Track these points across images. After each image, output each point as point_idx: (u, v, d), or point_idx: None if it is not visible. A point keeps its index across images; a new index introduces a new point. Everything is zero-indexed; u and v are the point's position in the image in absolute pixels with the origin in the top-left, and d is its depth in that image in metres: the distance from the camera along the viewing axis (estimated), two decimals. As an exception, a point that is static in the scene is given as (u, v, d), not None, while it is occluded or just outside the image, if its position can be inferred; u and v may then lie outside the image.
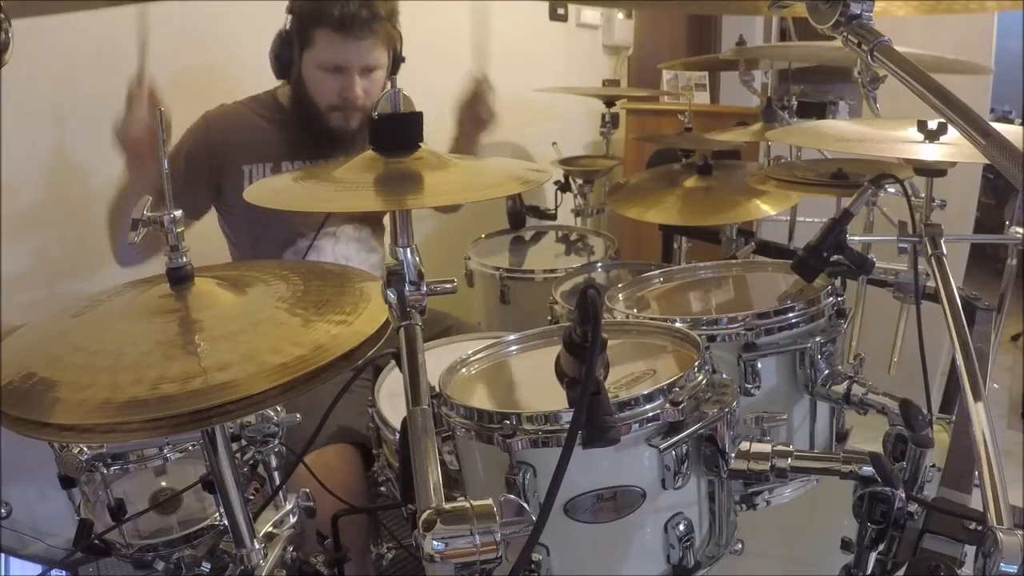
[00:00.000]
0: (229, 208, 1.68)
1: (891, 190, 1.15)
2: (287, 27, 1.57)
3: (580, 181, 2.39)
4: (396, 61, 1.67)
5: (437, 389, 0.87)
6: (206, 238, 1.70)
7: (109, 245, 1.52)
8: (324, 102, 1.61)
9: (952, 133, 1.04)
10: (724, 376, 0.90)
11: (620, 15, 3.21)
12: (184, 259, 0.85)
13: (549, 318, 1.45)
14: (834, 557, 0.94)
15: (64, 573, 1.31)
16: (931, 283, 0.97)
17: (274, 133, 1.67)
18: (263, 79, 1.72)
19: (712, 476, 0.85)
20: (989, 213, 3.19)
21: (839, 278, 1.14)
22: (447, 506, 0.58)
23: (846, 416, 1.15)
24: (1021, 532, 0.61)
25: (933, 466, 0.97)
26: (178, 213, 0.84)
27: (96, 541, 1.05)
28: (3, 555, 1.33)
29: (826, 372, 1.06)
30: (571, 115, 3.04)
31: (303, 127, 1.66)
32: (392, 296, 0.78)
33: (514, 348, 1.02)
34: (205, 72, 1.89)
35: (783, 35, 2.92)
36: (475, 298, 1.96)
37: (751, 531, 0.94)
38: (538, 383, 0.93)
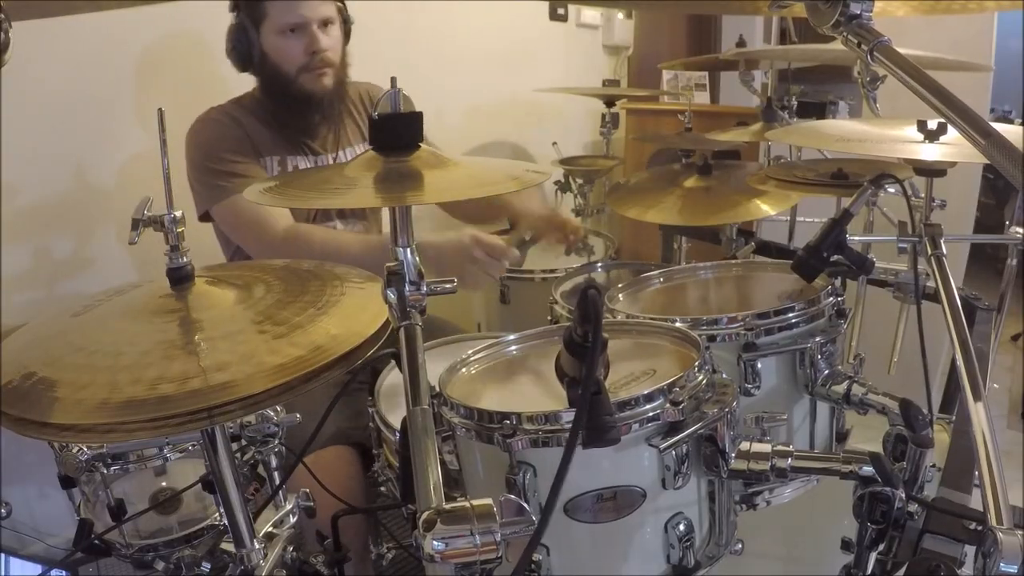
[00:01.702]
0: None
1: (891, 190, 1.15)
2: (235, 18, 1.60)
3: (580, 181, 2.39)
4: (347, 22, 1.69)
5: (437, 389, 0.87)
6: (206, 238, 1.70)
7: None
8: (292, 66, 1.61)
9: (952, 133, 1.04)
10: (724, 376, 0.90)
11: (620, 15, 3.20)
12: (184, 259, 0.85)
13: (549, 318, 1.44)
14: (834, 557, 0.94)
15: (64, 573, 1.31)
16: (931, 283, 0.97)
17: (265, 131, 1.66)
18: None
19: (712, 476, 0.85)
20: (989, 213, 3.18)
21: (839, 278, 1.14)
22: (447, 506, 0.58)
23: (846, 416, 1.15)
24: (1021, 532, 0.61)
25: (933, 466, 0.97)
26: (178, 213, 0.84)
27: (96, 541, 1.05)
28: (3, 555, 1.33)
29: (826, 372, 1.06)
30: (571, 115, 3.04)
31: (278, 102, 1.65)
32: (392, 296, 0.78)
33: (514, 348, 1.02)
34: (198, 72, 1.89)
35: (783, 35, 2.92)
36: (475, 298, 1.96)
37: (751, 531, 0.93)
38: (538, 383, 0.93)
